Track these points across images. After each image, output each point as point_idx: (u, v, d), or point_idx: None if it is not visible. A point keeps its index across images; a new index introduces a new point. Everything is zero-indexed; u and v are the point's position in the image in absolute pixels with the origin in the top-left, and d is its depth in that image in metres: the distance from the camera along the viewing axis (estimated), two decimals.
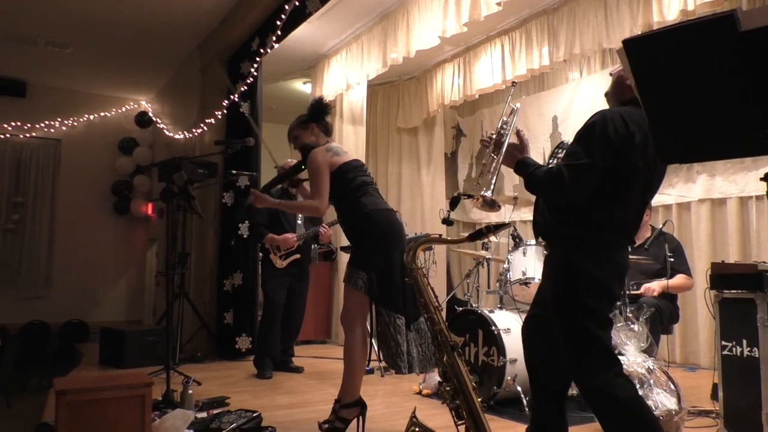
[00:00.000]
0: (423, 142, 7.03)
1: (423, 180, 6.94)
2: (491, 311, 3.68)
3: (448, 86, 6.31)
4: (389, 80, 7.05)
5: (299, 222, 4.82)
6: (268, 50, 5.19)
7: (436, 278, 5.64)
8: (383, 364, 4.69)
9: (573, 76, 6.07)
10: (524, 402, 3.42)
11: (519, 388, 3.45)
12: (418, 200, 6.91)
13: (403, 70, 6.66)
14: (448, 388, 1.50)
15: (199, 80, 6.51)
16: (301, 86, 7.33)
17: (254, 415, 3.17)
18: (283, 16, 4.78)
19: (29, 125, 7.70)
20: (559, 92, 6.15)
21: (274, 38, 5.09)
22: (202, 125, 5.98)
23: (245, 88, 5.50)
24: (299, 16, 4.84)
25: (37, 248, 7.87)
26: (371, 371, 4.69)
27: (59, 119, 7.86)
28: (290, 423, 3.31)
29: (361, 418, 2.97)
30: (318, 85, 6.54)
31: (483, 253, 4.21)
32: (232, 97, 5.61)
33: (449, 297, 5.86)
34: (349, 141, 6.44)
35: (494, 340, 3.50)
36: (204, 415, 3.27)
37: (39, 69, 7.33)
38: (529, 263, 3.83)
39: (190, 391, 3.20)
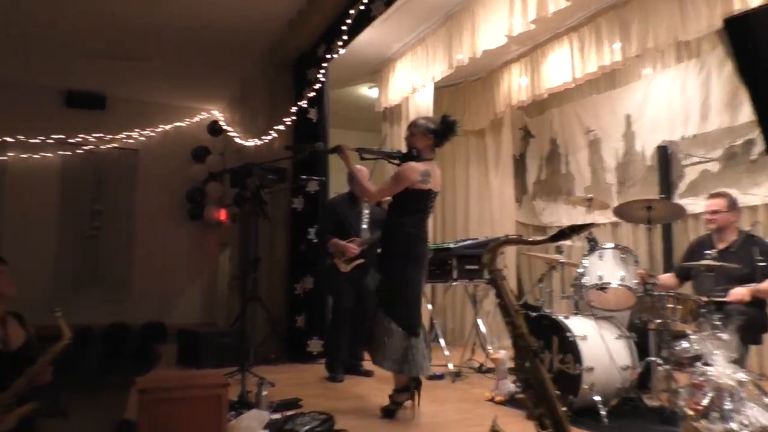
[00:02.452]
0: (491, 144, 6.93)
1: (491, 183, 6.84)
2: (566, 317, 3.56)
3: (515, 86, 6.19)
4: (455, 82, 6.98)
5: (364, 226, 4.81)
6: (334, 56, 5.23)
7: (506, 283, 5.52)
8: (454, 369, 4.65)
9: (646, 72, 5.83)
10: (602, 413, 3.29)
11: (597, 398, 3.32)
12: (487, 204, 6.81)
13: (468, 71, 6.59)
14: (529, 396, 1.44)
15: (267, 88, 6.65)
16: (367, 91, 7.38)
17: (327, 417, 3.19)
18: (348, 21, 4.81)
19: (109, 136, 8.08)
20: (631, 89, 5.92)
21: (339, 43, 5.13)
22: (271, 132, 6.11)
23: (313, 94, 5.57)
24: (364, 19, 4.86)
25: (116, 253, 8.24)
26: (441, 377, 4.64)
27: (137, 130, 8.20)
28: (361, 426, 3.31)
29: (417, 393, 3.51)
30: (384, 89, 6.56)
31: (556, 257, 4.09)
32: (299, 103, 5.70)
33: (521, 302, 5.74)
34: None
35: (570, 347, 3.39)
36: (278, 416, 3.31)
37: (117, 82, 7.68)
38: (605, 267, 3.69)
39: (265, 393, 3.25)
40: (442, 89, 7.02)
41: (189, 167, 8.49)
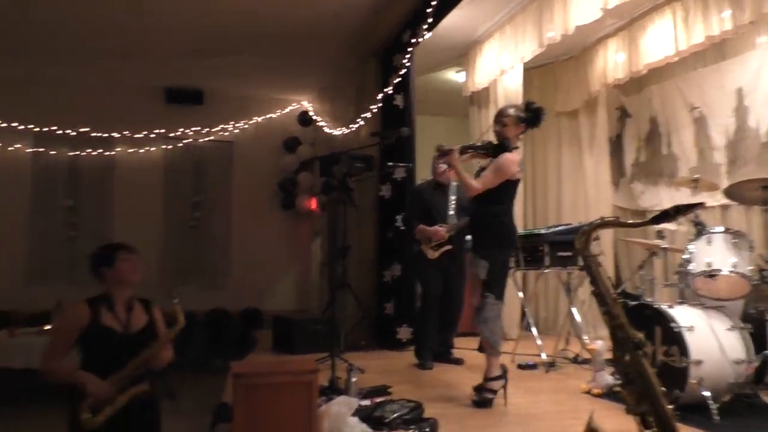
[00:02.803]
0: (584, 125, 6.61)
1: (585, 166, 6.53)
2: (670, 306, 3.33)
3: (611, 63, 5.86)
4: (546, 62, 6.72)
5: (451, 212, 4.72)
6: (419, 40, 5.16)
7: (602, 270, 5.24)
8: (547, 359, 4.49)
9: (761, 40, 5.33)
10: (712, 409, 3.05)
11: (707, 394, 3.08)
12: (581, 187, 6.51)
13: (560, 49, 6.31)
14: (630, 392, 1.33)
15: (354, 76, 6.68)
16: (454, 75, 7.24)
17: (416, 405, 3.16)
18: (433, 3, 4.71)
19: (206, 130, 8.43)
20: (744, 60, 5.42)
21: (425, 26, 5.05)
22: (358, 120, 6.13)
23: (398, 80, 5.52)
24: (449, 2, 4.75)
25: (215, 243, 8.62)
26: (534, 366, 4.51)
27: (232, 123, 8.51)
28: (450, 415, 3.26)
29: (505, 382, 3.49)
30: (471, 72, 6.41)
31: (657, 242, 3.83)
32: (385, 90, 5.67)
33: (619, 291, 5.44)
34: None
35: (675, 339, 3.16)
36: (367, 402, 3.31)
37: (213, 78, 7.97)
38: (715, 253, 3.41)
39: (354, 379, 3.27)
40: (531, 70, 6.77)
41: (281, 158, 8.71)
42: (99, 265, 2.86)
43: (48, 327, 6.24)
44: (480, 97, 6.53)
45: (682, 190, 4.49)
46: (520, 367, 4.53)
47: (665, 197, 6.07)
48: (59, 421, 2.81)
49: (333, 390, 3.49)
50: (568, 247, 4.41)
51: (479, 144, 3.84)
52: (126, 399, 2.78)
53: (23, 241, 7.90)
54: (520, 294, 5.01)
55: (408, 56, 5.35)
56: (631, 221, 1.47)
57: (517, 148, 3.60)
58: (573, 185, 6.57)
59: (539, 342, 4.60)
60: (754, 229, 4.93)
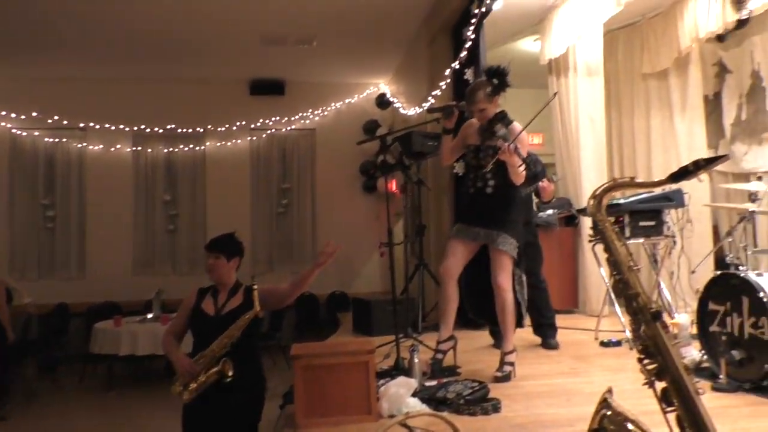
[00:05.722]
0: (675, 86, 6.11)
1: (677, 129, 6.05)
2: (759, 274, 3.02)
3: (703, 15, 5.35)
4: (631, 21, 6.28)
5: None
6: (484, 11, 4.96)
7: (694, 239, 4.83)
8: (631, 336, 4.23)
9: None
10: None
11: None
12: (673, 153, 6.04)
13: (647, 6, 5.89)
14: (651, 367, 1.20)
15: (427, 54, 6.57)
16: (532, 45, 6.93)
17: (481, 385, 3.08)
18: None
19: (289, 119, 8.63)
20: None
21: None
22: (429, 98, 6.02)
23: (465, 54, 5.36)
24: None
25: (303, 228, 8.85)
26: (618, 343, 4.26)
27: (311, 111, 8.66)
28: (519, 395, 3.15)
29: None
30: (546, 40, 6.11)
31: (748, 205, 3.48)
32: (452, 65, 5.53)
33: (712, 260, 4.99)
34: (585, 96, 5.92)
35: (765, 309, 2.87)
36: (433, 383, 3.27)
37: (293, 66, 8.13)
38: None
39: (416, 360, 3.23)
40: (616, 31, 6.38)
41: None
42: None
43: (149, 316, 6.69)
44: (558, 65, 6.22)
45: None
46: (603, 344, 4.30)
47: None
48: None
49: (399, 371, 3.47)
50: (650, 216, 4.12)
51: (442, 106, 3.85)
52: (205, 378, 3.01)
53: (129, 235, 8.48)
54: (602, 269, 4.73)
55: (473, 28, 5.16)
56: (647, 181, 1.32)
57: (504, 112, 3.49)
58: (664, 151, 6.11)
59: (623, 318, 4.34)
60: None
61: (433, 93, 5.95)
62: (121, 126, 8.29)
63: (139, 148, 8.58)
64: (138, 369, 6.94)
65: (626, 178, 1.28)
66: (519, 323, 3.68)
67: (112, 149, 8.45)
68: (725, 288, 3.06)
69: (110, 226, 8.31)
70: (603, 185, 1.25)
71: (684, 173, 1.17)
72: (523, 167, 3.29)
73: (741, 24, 5.17)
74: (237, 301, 3.17)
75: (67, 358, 7.26)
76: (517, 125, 3.42)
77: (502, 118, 3.43)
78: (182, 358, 3.07)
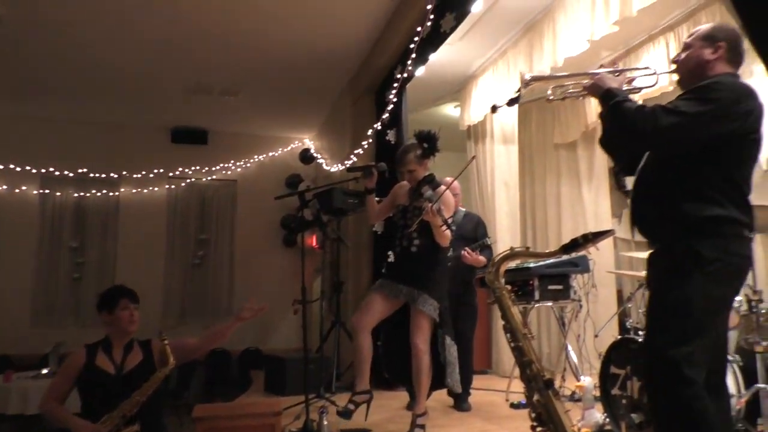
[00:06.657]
0: (583, 157, 6.52)
1: (585, 198, 6.42)
2: None
3: None
4: (543, 95, 6.68)
5: None
6: (408, 76, 5.16)
7: (599, 304, 5.07)
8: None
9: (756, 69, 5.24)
10: None
11: None
12: (581, 220, 6.39)
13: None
14: None
15: (351, 113, 6.71)
16: (452, 111, 7.24)
17: None
18: (416, 39, 4.73)
19: (210, 168, 8.50)
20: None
21: (417, 63, 5.05)
22: (352, 156, 6.12)
23: (387, 116, 5.52)
24: (436, 38, 4.75)
25: (219, 281, 8.60)
26: (527, 405, 4.32)
27: (234, 161, 8.59)
28: None
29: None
30: (466, 107, 6.40)
31: (642, 273, 3.70)
32: (375, 126, 5.67)
33: (616, 324, 5.26)
34: (501, 161, 6.19)
35: None
36: None
37: (218, 116, 8.08)
38: None
39: (325, 422, 3.16)
40: (529, 103, 6.75)
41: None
42: (101, 309, 3.04)
43: (45, 371, 6.21)
44: (477, 131, 6.50)
45: None
46: (513, 406, 4.36)
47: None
48: None
49: None
50: (558, 280, 4.30)
51: (361, 166, 4.02)
52: None
53: (28, 283, 7.95)
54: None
55: (395, 92, 5.35)
56: (542, 252, 1.40)
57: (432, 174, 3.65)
58: (573, 218, 6.46)
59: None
60: (758, 258, 4.76)
61: (356, 151, 6.06)
62: (27, 167, 7.90)
63: (47, 191, 8.17)
64: (27, 431, 6.38)
65: (522, 248, 1.34)
66: (442, 384, 3.66)
67: (17, 191, 8.00)
68: (625, 352, 3.21)
69: (9, 271, 7.78)
70: (500, 254, 1.30)
71: (574, 245, 1.24)
72: (444, 228, 3.38)
73: None
74: (137, 356, 3.01)
75: None
76: (443, 188, 3.54)
77: (430, 180, 3.55)
78: (84, 424, 2.79)
